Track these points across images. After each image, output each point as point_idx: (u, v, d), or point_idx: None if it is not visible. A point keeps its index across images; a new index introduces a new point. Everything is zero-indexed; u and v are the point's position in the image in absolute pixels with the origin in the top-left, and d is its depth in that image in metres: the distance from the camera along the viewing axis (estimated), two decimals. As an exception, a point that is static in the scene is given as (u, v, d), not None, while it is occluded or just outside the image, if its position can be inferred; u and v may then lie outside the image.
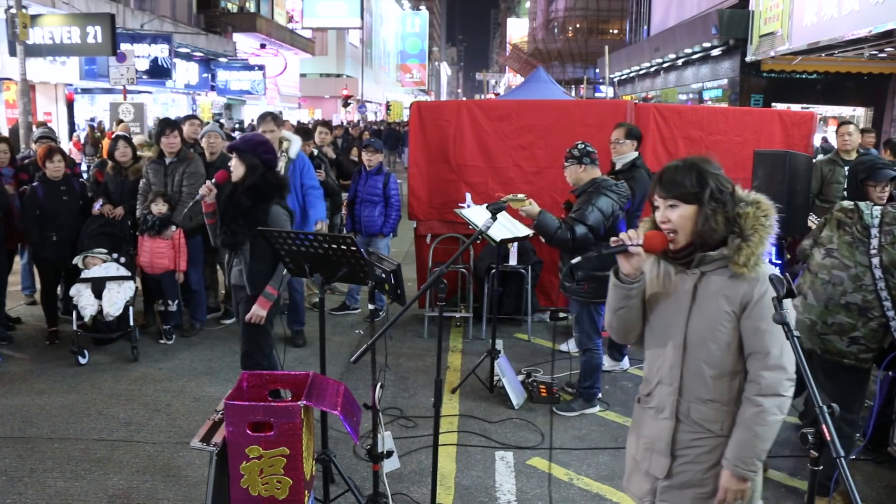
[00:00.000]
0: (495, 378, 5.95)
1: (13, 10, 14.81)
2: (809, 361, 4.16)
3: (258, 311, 4.63)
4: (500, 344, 6.05)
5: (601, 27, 58.52)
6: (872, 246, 4.03)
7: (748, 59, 20.28)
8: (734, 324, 2.52)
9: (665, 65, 29.18)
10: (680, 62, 27.24)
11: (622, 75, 36.81)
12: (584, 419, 5.56)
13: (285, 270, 4.40)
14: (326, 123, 10.92)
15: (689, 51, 24.86)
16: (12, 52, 15.65)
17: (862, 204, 4.23)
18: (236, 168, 4.55)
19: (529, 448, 5.08)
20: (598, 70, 42.20)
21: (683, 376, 2.62)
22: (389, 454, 3.98)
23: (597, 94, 42.80)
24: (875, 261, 4.01)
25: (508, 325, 7.39)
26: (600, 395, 5.79)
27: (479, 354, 6.48)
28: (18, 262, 8.14)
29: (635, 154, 6.36)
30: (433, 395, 3.58)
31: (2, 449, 4.96)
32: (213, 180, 4.60)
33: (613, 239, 2.51)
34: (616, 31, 55.98)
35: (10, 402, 5.72)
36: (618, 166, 6.37)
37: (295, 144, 6.89)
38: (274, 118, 6.91)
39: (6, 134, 13.48)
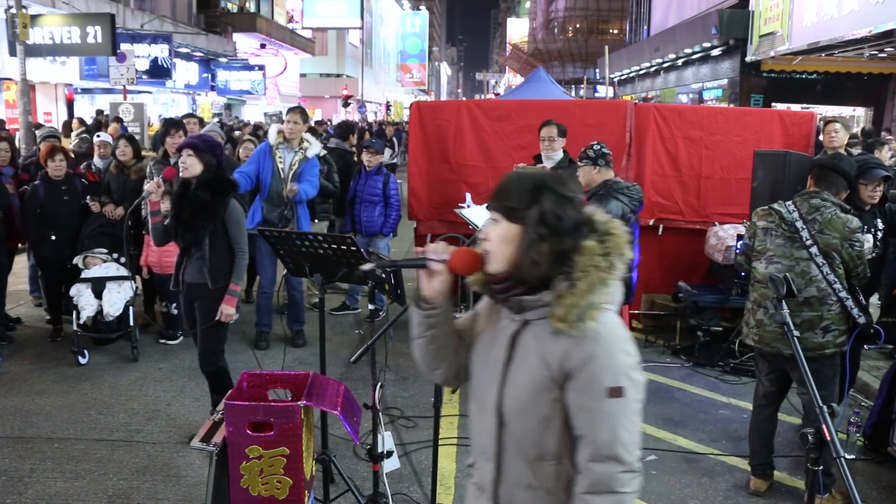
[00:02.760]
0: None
1: (13, 10, 14.81)
2: (790, 363, 4.22)
3: (228, 310, 4.74)
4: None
5: (601, 27, 58.54)
6: (805, 238, 4.18)
7: (748, 59, 20.29)
8: (555, 394, 1.94)
9: (665, 65, 29.20)
10: (680, 62, 27.25)
11: (622, 75, 36.84)
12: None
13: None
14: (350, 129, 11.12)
15: (689, 51, 24.87)
16: (12, 52, 15.62)
17: (775, 205, 4.38)
18: (192, 165, 4.62)
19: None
20: (597, 70, 42.22)
21: (502, 453, 2.06)
22: (389, 454, 3.98)
23: (596, 95, 42.80)
24: (813, 250, 4.16)
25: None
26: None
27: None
28: (19, 263, 8.14)
29: (562, 153, 6.47)
30: (433, 396, 3.58)
31: (2, 449, 4.97)
32: (162, 177, 4.71)
33: (419, 249, 2.15)
34: (616, 31, 55.99)
35: (10, 403, 5.72)
36: (549, 165, 6.39)
37: (314, 148, 6.91)
38: (302, 112, 7.04)
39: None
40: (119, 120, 15.26)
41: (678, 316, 7.22)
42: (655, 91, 32.47)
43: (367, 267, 2.20)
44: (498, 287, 2.01)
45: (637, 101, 11.10)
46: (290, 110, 7.12)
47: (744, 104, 20.38)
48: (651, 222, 7.68)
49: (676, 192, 7.69)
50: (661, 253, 7.77)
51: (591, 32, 57.04)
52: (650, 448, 5.11)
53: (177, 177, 4.68)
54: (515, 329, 2.03)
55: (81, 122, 14.77)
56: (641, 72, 33.30)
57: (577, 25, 59.06)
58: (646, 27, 36.65)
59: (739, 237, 6.61)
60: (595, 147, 5.44)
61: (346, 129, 9.95)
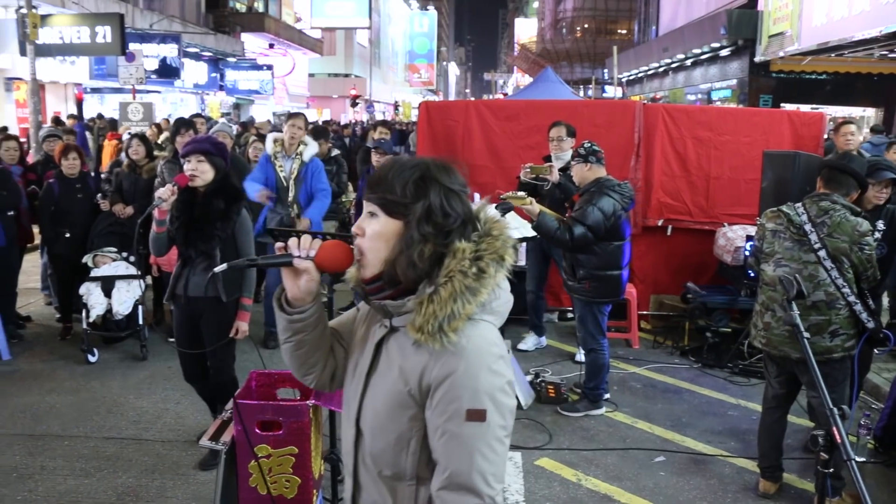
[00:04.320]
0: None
1: (23, 10, 14.88)
2: (799, 366, 4.20)
3: (244, 327, 4.58)
4: (508, 344, 6.04)
5: (609, 27, 58.45)
6: (813, 241, 4.15)
7: (757, 59, 20.21)
8: (414, 412, 1.75)
9: (673, 65, 29.12)
10: (688, 62, 27.17)
11: (630, 75, 36.76)
12: (592, 420, 5.55)
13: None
14: (387, 123, 11.15)
15: (697, 51, 24.79)
16: (23, 52, 15.72)
17: (784, 207, 4.35)
18: (204, 172, 4.36)
19: (537, 448, 5.08)
20: (606, 70, 42.16)
21: (358, 468, 1.91)
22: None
23: (604, 95, 42.75)
24: (822, 253, 4.13)
25: (517, 325, 7.38)
26: (607, 397, 5.79)
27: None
28: (29, 261, 8.17)
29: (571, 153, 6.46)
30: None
31: (12, 446, 5.00)
32: (174, 184, 4.33)
33: (279, 245, 1.87)
34: (624, 32, 55.88)
35: (21, 400, 5.75)
36: (558, 165, 6.45)
37: (310, 148, 6.91)
38: (305, 120, 7.05)
39: (16, 133, 13.57)
40: (75, 117, 15.42)
41: (687, 317, 7.21)
42: (664, 91, 32.39)
43: (219, 269, 1.93)
44: (369, 287, 1.81)
45: (645, 102, 11.07)
46: (292, 116, 7.12)
47: (753, 105, 20.31)
48: (660, 223, 7.68)
49: (685, 193, 7.68)
50: (669, 253, 7.76)
51: (600, 33, 56.97)
52: (658, 449, 5.11)
53: (186, 185, 4.37)
54: (382, 335, 1.84)
55: (57, 121, 14.89)
56: (650, 72, 33.24)
57: (586, 25, 59.00)
58: (654, 27, 36.56)
59: (748, 238, 6.60)
60: (585, 145, 5.51)
61: (321, 130, 9.97)
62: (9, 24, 17.96)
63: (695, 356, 6.88)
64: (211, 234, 4.40)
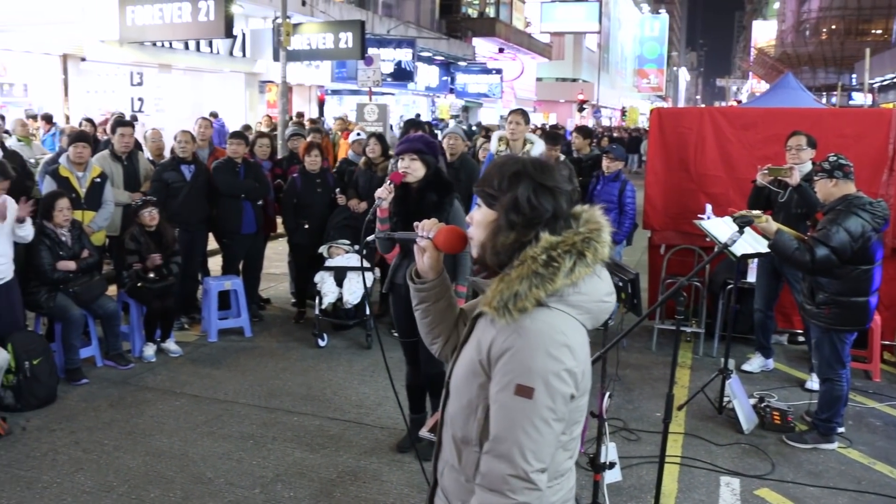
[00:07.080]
0: (725, 399, 5.66)
1: (279, 20, 16.24)
2: None
3: None
4: (732, 364, 5.74)
5: (861, 28, 53.95)
6: None
7: None
8: (482, 380, 1.92)
9: (937, 70, 26.34)
10: (956, 67, 24.46)
11: (884, 81, 33.71)
12: (822, 455, 5.13)
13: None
14: (584, 129, 11.15)
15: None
16: (276, 58, 17.19)
17: None
18: (416, 169, 4.49)
19: (758, 477, 4.77)
20: (854, 75, 38.94)
21: (443, 426, 2.11)
22: (612, 465, 3.90)
23: (850, 103, 39.49)
24: None
25: (742, 345, 6.99)
26: (841, 431, 5.32)
27: (707, 372, 6.19)
28: (270, 248, 8.88)
29: (811, 165, 6.02)
30: (659, 410, 3.46)
31: (250, 416, 5.46)
32: (390, 182, 4.40)
33: (416, 224, 2.17)
34: (879, 31, 51.32)
35: (258, 375, 6.27)
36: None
37: (537, 147, 6.93)
38: (523, 113, 7.10)
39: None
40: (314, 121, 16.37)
41: (941, 352, 6.47)
42: (923, 100, 29.39)
43: (371, 238, 2.47)
44: (475, 268, 2.06)
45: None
46: (511, 112, 7.17)
47: None
48: (914, 245, 6.94)
49: (948, 213, 6.88)
50: (923, 280, 6.99)
51: (849, 34, 52.74)
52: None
53: (400, 182, 4.50)
54: (479, 311, 2.03)
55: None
56: (907, 78, 30.30)
57: (833, 27, 54.88)
58: (916, 28, 33.28)
59: None
60: (831, 159, 4.99)
61: (556, 136, 9.95)
62: (264, 33, 19.73)
63: (949, 396, 6.16)
64: None
